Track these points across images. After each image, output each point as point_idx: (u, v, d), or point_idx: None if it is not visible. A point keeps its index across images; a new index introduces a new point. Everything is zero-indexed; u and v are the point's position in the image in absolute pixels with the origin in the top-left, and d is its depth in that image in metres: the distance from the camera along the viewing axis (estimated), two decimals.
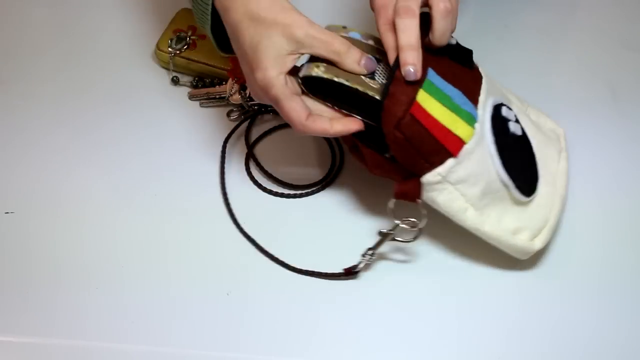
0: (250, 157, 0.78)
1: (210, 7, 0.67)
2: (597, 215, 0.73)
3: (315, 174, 0.76)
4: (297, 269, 0.69)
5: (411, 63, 0.62)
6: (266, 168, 0.77)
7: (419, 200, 0.65)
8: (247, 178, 0.76)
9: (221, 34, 0.69)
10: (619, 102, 0.83)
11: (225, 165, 0.77)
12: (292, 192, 0.75)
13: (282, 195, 0.75)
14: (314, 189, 0.75)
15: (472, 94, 0.66)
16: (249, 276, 0.69)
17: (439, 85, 0.64)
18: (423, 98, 0.62)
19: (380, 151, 0.66)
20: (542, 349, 0.64)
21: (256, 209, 0.74)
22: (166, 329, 0.65)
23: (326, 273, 0.68)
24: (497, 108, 0.67)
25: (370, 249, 0.67)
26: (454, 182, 0.63)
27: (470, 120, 0.63)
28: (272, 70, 0.62)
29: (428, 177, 0.63)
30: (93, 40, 0.90)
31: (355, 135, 0.66)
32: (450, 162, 0.62)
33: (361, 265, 0.67)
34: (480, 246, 0.68)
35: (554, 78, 0.86)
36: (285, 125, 0.80)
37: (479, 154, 0.64)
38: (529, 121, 0.71)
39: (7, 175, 0.77)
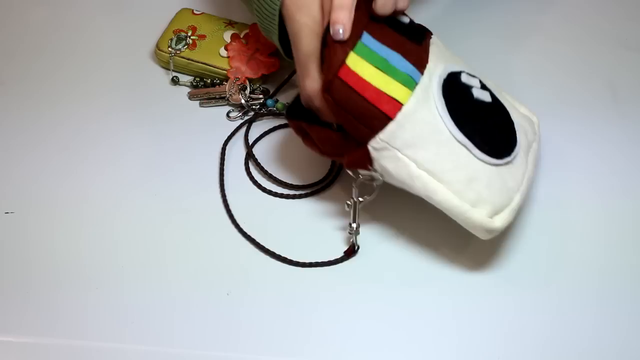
0: (250, 157, 0.78)
1: (277, 16, 0.69)
2: (597, 216, 0.73)
3: (315, 174, 0.76)
4: (297, 262, 0.69)
5: (340, 22, 0.62)
6: (266, 168, 0.77)
7: (370, 167, 0.64)
8: (247, 178, 0.76)
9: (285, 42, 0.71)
10: (619, 102, 0.83)
11: (225, 165, 0.77)
12: (291, 192, 0.75)
13: (281, 195, 0.75)
14: (314, 189, 0.75)
15: (418, 60, 0.65)
16: (249, 276, 0.69)
17: (373, 47, 0.63)
18: (354, 61, 0.62)
19: (326, 125, 0.67)
20: (539, 350, 0.64)
21: (256, 209, 0.74)
22: (166, 329, 0.65)
23: (327, 261, 0.68)
24: (453, 75, 0.66)
25: (350, 223, 0.68)
26: (400, 147, 0.62)
27: (408, 81, 0.63)
28: (320, 81, 0.65)
29: (372, 144, 0.63)
30: (93, 40, 0.90)
31: (304, 118, 0.68)
32: (391, 125, 0.62)
33: (354, 240, 0.68)
34: (478, 246, 0.68)
35: (553, 78, 0.86)
36: (286, 125, 0.80)
37: (425, 115, 0.62)
38: (503, 97, 0.69)
39: (7, 175, 0.77)
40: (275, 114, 0.81)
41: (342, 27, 0.62)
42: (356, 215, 0.68)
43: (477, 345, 0.64)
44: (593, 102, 0.83)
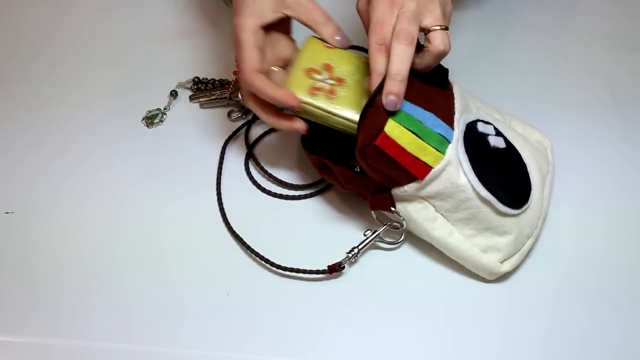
0: (250, 157, 0.78)
1: None
2: (597, 217, 0.73)
3: (315, 173, 0.76)
4: (280, 266, 0.68)
5: (395, 93, 0.62)
6: (266, 168, 0.76)
7: (393, 209, 0.66)
8: (247, 178, 0.76)
9: None
10: (619, 102, 0.83)
11: (225, 166, 0.77)
12: (291, 193, 0.75)
13: (280, 196, 0.75)
14: (315, 190, 0.75)
15: (447, 114, 0.66)
16: (249, 276, 0.69)
17: (410, 111, 0.64)
18: (391, 127, 0.62)
19: (350, 167, 0.68)
20: (536, 353, 0.64)
21: (256, 209, 0.74)
22: (166, 329, 0.65)
23: (310, 270, 0.68)
24: (470, 126, 0.67)
25: (355, 247, 0.68)
26: (424, 196, 0.65)
27: (442, 143, 0.64)
28: (249, 18, 0.66)
29: (396, 192, 0.65)
30: (92, 40, 0.90)
31: (327, 155, 0.68)
32: (416, 183, 0.64)
33: (344, 263, 0.68)
34: None
35: (553, 78, 0.86)
36: None
37: (450, 174, 0.64)
38: (514, 134, 0.71)
39: (7, 175, 0.77)
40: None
41: (396, 99, 0.62)
42: (365, 246, 0.68)
43: (469, 347, 0.64)
44: (592, 102, 0.83)
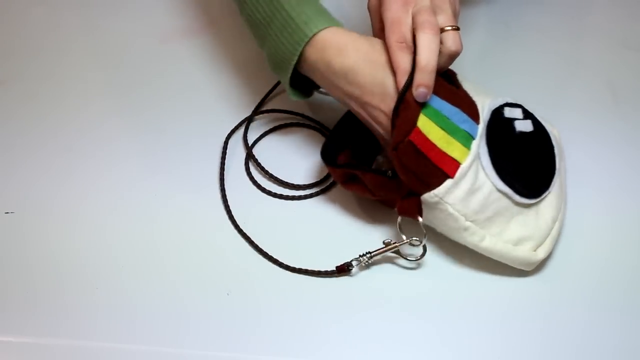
0: (250, 157, 0.78)
1: (297, 55, 0.68)
2: (598, 217, 0.73)
3: (315, 173, 0.76)
4: (289, 267, 0.69)
5: (425, 84, 0.62)
6: (267, 168, 0.76)
7: (420, 219, 0.65)
8: (247, 178, 0.76)
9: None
10: (619, 102, 0.83)
11: (226, 165, 0.77)
12: (291, 193, 0.75)
13: (280, 196, 0.75)
14: (315, 190, 0.75)
15: (472, 107, 0.66)
16: (249, 276, 0.69)
17: (437, 106, 0.64)
18: (423, 122, 0.63)
19: (382, 173, 0.67)
20: (543, 354, 0.64)
21: (255, 209, 0.74)
22: (166, 329, 0.65)
23: (319, 271, 0.68)
24: (496, 112, 0.67)
25: (368, 252, 0.68)
26: (452, 203, 0.64)
27: (467, 139, 0.64)
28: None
29: (426, 197, 0.64)
30: (93, 40, 0.90)
31: (357, 167, 0.69)
32: (447, 183, 0.63)
33: (354, 265, 0.68)
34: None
35: (554, 78, 0.86)
36: (285, 125, 0.80)
37: (475, 169, 0.64)
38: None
39: (7, 175, 0.77)
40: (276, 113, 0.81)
41: (427, 91, 0.62)
42: (380, 254, 0.68)
43: (475, 348, 0.64)
44: (593, 102, 0.83)
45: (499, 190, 0.65)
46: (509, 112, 0.68)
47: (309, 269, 0.68)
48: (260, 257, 0.70)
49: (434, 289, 0.68)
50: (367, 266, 0.69)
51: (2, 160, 0.78)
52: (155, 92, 0.84)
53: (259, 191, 0.75)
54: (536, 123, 0.68)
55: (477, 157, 0.64)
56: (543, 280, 0.68)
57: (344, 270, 0.68)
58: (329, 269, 0.68)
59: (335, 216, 0.73)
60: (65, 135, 0.80)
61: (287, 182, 0.76)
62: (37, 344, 0.65)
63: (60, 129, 0.81)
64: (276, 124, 0.81)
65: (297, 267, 0.68)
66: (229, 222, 0.72)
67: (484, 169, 0.65)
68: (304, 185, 0.75)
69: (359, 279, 0.68)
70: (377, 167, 0.69)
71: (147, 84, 0.85)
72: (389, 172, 0.67)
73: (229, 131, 0.80)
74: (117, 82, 0.85)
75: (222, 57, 0.88)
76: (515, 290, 0.67)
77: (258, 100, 0.83)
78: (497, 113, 0.67)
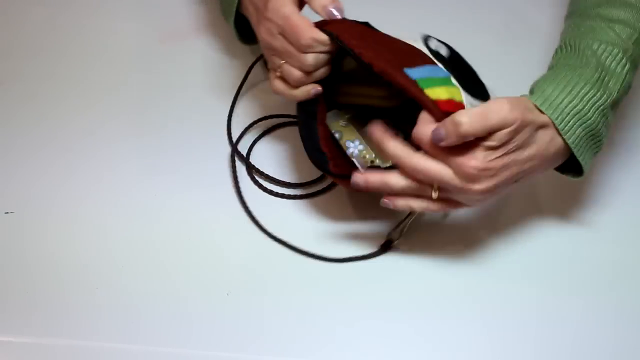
0: (250, 168, 0.77)
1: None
2: (598, 218, 0.73)
3: (314, 172, 0.76)
4: (330, 258, 0.69)
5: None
6: (266, 168, 0.77)
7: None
8: (248, 178, 0.76)
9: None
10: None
11: (230, 170, 0.77)
12: (291, 193, 0.75)
13: (282, 196, 0.75)
14: (315, 190, 0.75)
15: (425, 57, 0.67)
16: (249, 276, 0.69)
17: (420, 74, 0.64)
18: (431, 92, 0.63)
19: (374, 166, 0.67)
20: (543, 354, 0.64)
21: (256, 209, 0.74)
22: (166, 329, 0.65)
23: (362, 256, 0.69)
24: (429, 48, 0.70)
25: (402, 221, 0.69)
26: None
27: (449, 81, 0.65)
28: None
29: None
30: (93, 40, 0.90)
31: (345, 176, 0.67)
32: None
33: (396, 236, 0.69)
34: (487, 248, 0.68)
35: None
36: (285, 125, 0.80)
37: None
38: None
39: (7, 175, 0.76)
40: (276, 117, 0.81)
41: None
42: (411, 218, 0.69)
43: (483, 348, 0.65)
44: None
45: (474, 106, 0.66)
46: (433, 45, 0.70)
47: (355, 255, 0.69)
48: (261, 257, 0.70)
49: (434, 289, 0.68)
50: (404, 234, 0.69)
51: (2, 160, 0.78)
52: (155, 92, 0.84)
53: (259, 191, 0.75)
54: (449, 47, 0.71)
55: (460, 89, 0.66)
56: (543, 280, 0.68)
57: (388, 246, 0.69)
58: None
59: (338, 218, 0.73)
60: (65, 135, 0.80)
61: (287, 182, 0.76)
62: (37, 344, 0.65)
63: (60, 129, 0.80)
64: (276, 123, 0.81)
65: (340, 257, 0.69)
66: (229, 222, 0.72)
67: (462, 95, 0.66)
68: (304, 184, 0.76)
69: (362, 278, 0.69)
70: (360, 160, 0.69)
71: (147, 84, 0.85)
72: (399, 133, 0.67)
73: (228, 131, 0.80)
74: (117, 82, 0.85)
75: (222, 57, 0.88)
76: (516, 290, 0.68)
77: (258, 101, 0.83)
78: (430, 49, 0.70)
